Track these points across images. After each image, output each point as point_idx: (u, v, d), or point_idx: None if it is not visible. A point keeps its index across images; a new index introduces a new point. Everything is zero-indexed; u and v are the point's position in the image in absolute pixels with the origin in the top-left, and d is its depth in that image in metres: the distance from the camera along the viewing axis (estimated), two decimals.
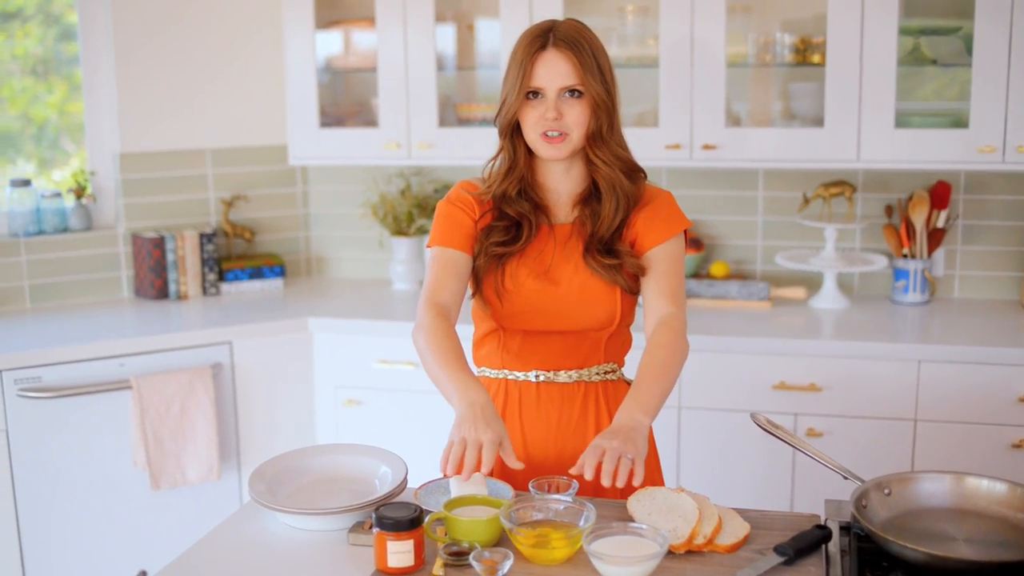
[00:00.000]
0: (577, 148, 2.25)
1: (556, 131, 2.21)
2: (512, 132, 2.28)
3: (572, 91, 2.21)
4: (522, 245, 2.27)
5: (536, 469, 2.28)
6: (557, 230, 2.31)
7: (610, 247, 2.26)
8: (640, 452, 2.00)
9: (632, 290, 2.29)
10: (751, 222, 4.03)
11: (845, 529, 1.99)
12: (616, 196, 2.27)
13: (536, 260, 2.28)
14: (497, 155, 2.34)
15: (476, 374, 2.39)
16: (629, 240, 2.29)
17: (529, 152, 2.30)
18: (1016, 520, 1.95)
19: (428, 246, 2.36)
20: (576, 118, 2.22)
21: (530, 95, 2.23)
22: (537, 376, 2.31)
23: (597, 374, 2.32)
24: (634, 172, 2.31)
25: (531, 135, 2.24)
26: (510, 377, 2.33)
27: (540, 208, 2.32)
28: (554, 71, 2.20)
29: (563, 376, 2.31)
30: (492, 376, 2.37)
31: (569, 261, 2.28)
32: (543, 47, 2.21)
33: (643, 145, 3.54)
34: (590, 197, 2.30)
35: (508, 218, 2.29)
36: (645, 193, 2.32)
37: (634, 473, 1.96)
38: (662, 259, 2.29)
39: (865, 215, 3.90)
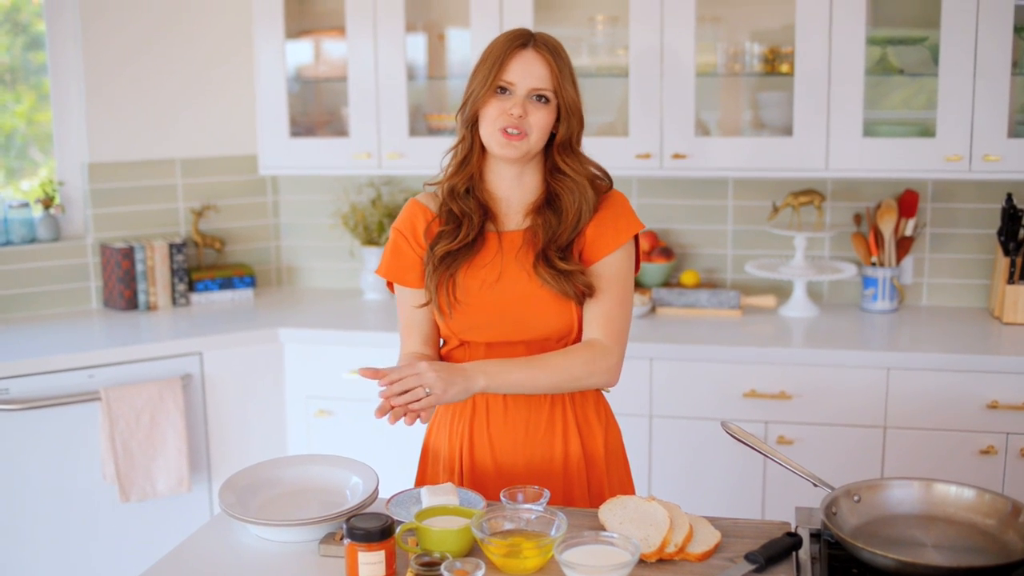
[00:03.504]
0: (531, 152, 2.24)
1: (516, 128, 2.20)
2: (473, 124, 2.28)
3: (541, 96, 2.22)
4: (461, 243, 2.25)
5: (505, 479, 2.28)
6: (505, 237, 2.30)
7: (562, 257, 2.24)
8: (440, 397, 2.10)
9: (582, 301, 2.28)
10: (721, 231, 4.04)
11: (815, 536, 2.00)
12: (579, 208, 2.26)
13: (486, 270, 2.27)
14: (455, 146, 2.33)
15: None
16: (578, 249, 2.28)
17: (483, 151, 2.29)
18: (984, 526, 1.96)
19: (377, 272, 2.38)
20: (539, 121, 2.21)
21: (499, 90, 2.23)
22: None
23: None
24: (600, 180, 2.32)
25: (489, 130, 2.23)
26: None
27: (487, 212, 2.30)
28: (529, 70, 2.21)
29: None
30: None
31: (522, 270, 2.26)
32: (523, 46, 2.22)
33: (613, 154, 3.56)
34: (544, 206, 2.29)
35: (454, 219, 2.29)
36: (603, 199, 2.32)
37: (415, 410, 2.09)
38: (610, 279, 2.28)
39: (834, 223, 3.93)
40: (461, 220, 2.28)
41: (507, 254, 2.28)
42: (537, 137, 2.23)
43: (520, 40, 2.23)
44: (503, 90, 2.22)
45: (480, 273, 2.27)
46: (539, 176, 2.31)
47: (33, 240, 4.03)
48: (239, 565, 1.98)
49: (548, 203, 2.29)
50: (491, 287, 2.26)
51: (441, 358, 2.37)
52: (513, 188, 2.31)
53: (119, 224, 4.12)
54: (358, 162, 3.95)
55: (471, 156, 2.30)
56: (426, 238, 2.31)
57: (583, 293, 2.25)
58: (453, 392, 2.11)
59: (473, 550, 1.94)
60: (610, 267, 2.29)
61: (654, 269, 3.94)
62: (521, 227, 2.31)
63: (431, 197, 2.37)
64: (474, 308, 2.25)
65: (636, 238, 2.34)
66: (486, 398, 2.31)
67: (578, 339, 2.30)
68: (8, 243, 3.97)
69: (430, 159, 3.84)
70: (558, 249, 2.24)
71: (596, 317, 2.27)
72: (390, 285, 2.40)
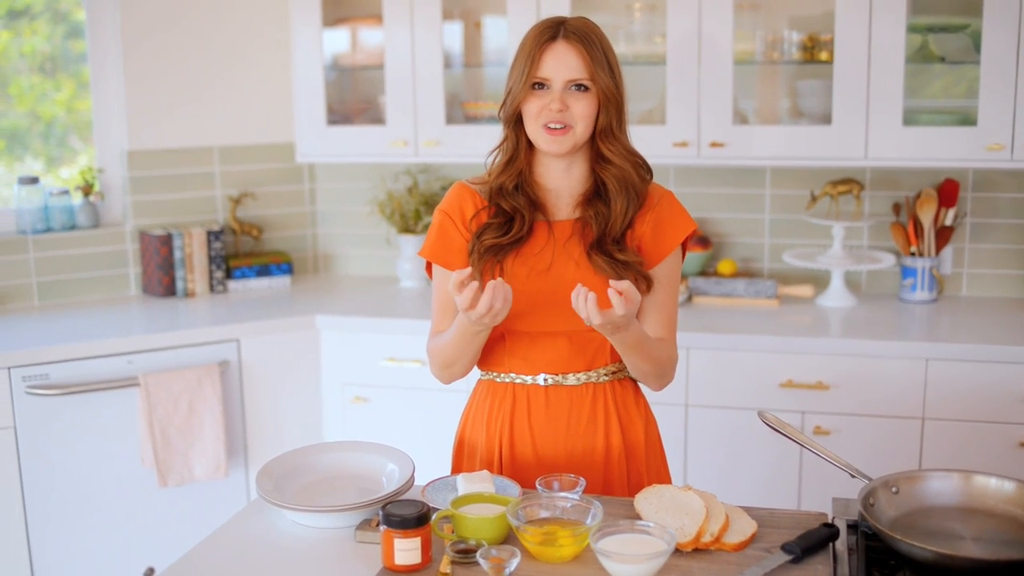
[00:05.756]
0: (579, 144, 2.24)
1: (559, 123, 2.19)
2: (516, 122, 2.27)
3: (579, 85, 2.20)
4: (513, 239, 2.25)
5: (547, 469, 2.28)
6: (556, 227, 2.29)
7: (618, 248, 2.24)
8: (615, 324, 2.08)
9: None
10: (758, 220, 4.02)
11: (853, 527, 1.99)
12: (627, 194, 2.25)
13: (536, 258, 2.26)
14: (499, 145, 2.33)
15: (481, 377, 2.40)
16: (634, 245, 2.28)
17: (530, 146, 2.29)
18: None
19: (420, 254, 2.37)
20: (582, 111, 2.20)
21: (536, 86, 2.22)
22: (545, 380, 2.30)
23: (605, 375, 2.31)
24: (643, 169, 2.30)
25: (533, 126, 2.22)
26: (517, 381, 2.31)
27: (537, 205, 2.30)
28: (562, 63, 2.19)
29: (571, 379, 2.29)
30: (499, 380, 2.35)
31: (570, 259, 2.26)
32: (553, 38, 2.20)
33: (650, 143, 3.52)
34: (594, 197, 2.28)
35: (503, 214, 2.28)
36: (650, 194, 2.32)
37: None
38: (664, 281, 2.30)
39: (873, 213, 3.90)
40: (512, 215, 2.28)
41: (558, 243, 2.27)
42: (583, 127, 2.21)
43: (550, 33, 2.21)
44: (540, 86, 2.22)
45: (529, 261, 2.26)
46: (587, 165, 2.30)
47: (73, 227, 4.06)
48: (275, 550, 1.99)
49: (597, 194, 2.28)
50: (540, 276, 2.25)
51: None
52: (562, 179, 2.30)
53: (158, 211, 4.15)
54: (395, 150, 3.96)
55: (517, 154, 2.29)
56: (474, 224, 2.30)
57: (639, 286, 2.25)
58: (619, 332, 2.13)
59: (509, 538, 1.94)
60: (665, 265, 2.30)
61: (691, 258, 3.93)
62: (571, 217, 2.30)
63: (481, 182, 2.36)
64: (522, 296, 2.23)
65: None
66: (527, 391, 2.31)
67: None
68: (48, 230, 4.01)
69: (467, 147, 3.86)
70: (613, 240, 2.24)
71: (653, 313, 2.30)
72: (428, 268, 2.39)
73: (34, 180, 3.98)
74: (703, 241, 3.97)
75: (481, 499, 2.00)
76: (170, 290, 4.07)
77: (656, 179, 2.38)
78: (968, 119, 3.50)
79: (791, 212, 3.98)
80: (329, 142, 4.05)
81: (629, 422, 2.33)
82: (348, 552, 1.97)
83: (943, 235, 3.75)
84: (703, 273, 3.98)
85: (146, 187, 4.12)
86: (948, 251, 3.86)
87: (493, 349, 2.33)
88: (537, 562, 1.87)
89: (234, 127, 4.24)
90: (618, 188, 2.25)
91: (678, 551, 1.89)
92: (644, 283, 2.26)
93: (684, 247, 2.37)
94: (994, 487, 2.00)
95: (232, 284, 4.17)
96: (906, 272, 3.80)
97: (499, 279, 2.09)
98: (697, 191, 4.03)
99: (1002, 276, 3.86)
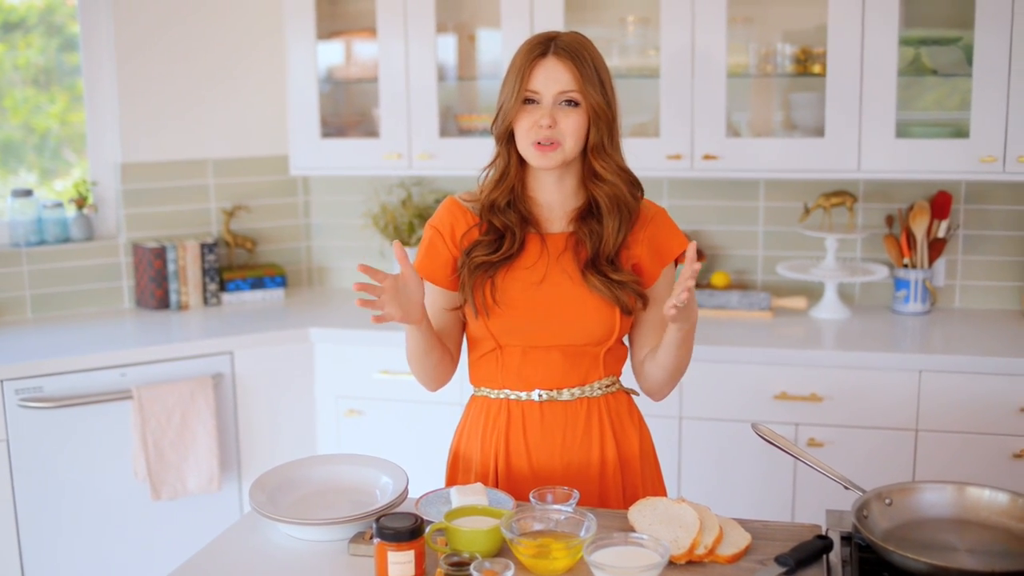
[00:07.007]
0: (569, 159, 2.23)
1: (548, 140, 2.20)
2: (508, 139, 2.27)
3: (569, 101, 2.21)
4: (502, 256, 2.25)
5: (543, 482, 2.27)
6: (549, 240, 2.29)
7: (612, 268, 2.25)
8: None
9: (630, 311, 2.27)
10: (752, 232, 4.03)
11: (846, 539, 1.99)
12: (619, 213, 2.25)
13: (528, 271, 2.26)
14: (492, 162, 2.33)
15: (475, 393, 2.40)
16: (630, 263, 2.28)
17: (521, 162, 2.29)
18: (1018, 530, 1.94)
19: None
20: (570, 127, 2.20)
21: (527, 102, 2.22)
22: (540, 395, 2.29)
23: (599, 389, 2.31)
24: (634, 187, 2.31)
25: (523, 143, 2.22)
26: (512, 397, 2.31)
27: (529, 220, 2.29)
28: (552, 77, 2.19)
29: (566, 394, 2.29)
30: (493, 396, 2.34)
31: (564, 273, 2.26)
32: (543, 54, 2.21)
33: (644, 155, 3.55)
34: (588, 214, 2.28)
35: (495, 231, 2.28)
36: (642, 211, 2.32)
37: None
38: (663, 299, 2.30)
39: (866, 225, 3.91)
40: (503, 232, 2.28)
41: (551, 256, 2.27)
42: (571, 143, 2.21)
43: (540, 49, 2.21)
44: (531, 101, 2.22)
45: (522, 275, 2.26)
46: (578, 179, 2.30)
47: (66, 240, 4.06)
48: (269, 564, 1.98)
49: (590, 211, 2.28)
50: (535, 288, 2.25)
51: (471, 361, 2.37)
52: (554, 193, 2.30)
53: (151, 224, 4.14)
54: (388, 163, 3.96)
55: (509, 171, 2.29)
56: (464, 242, 2.30)
57: (635, 304, 2.26)
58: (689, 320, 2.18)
59: (502, 550, 1.94)
60: (662, 283, 2.32)
61: None
62: (565, 230, 2.30)
63: (472, 198, 2.36)
64: (515, 310, 2.24)
65: None
66: (522, 406, 2.30)
67: (615, 346, 2.31)
68: (42, 242, 4.00)
69: (460, 160, 3.86)
70: (607, 259, 2.24)
71: (654, 330, 2.32)
72: None
73: (28, 193, 3.98)
74: (697, 253, 3.97)
75: (475, 512, 2.00)
76: (164, 303, 4.06)
77: (650, 192, 2.39)
78: (961, 131, 3.51)
79: (784, 224, 3.99)
80: (323, 155, 4.05)
81: (624, 435, 2.33)
82: (341, 565, 1.96)
83: (936, 247, 3.76)
84: (696, 285, 3.98)
85: (140, 200, 4.11)
86: (941, 263, 3.87)
87: (487, 365, 2.33)
88: (531, 575, 1.87)
89: (228, 140, 4.24)
90: (610, 207, 2.25)
91: (672, 563, 1.89)
92: (640, 301, 2.27)
93: (676, 262, 2.38)
94: (988, 499, 2.00)
95: (226, 297, 4.17)
96: (899, 284, 3.80)
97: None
98: (691, 203, 4.03)
99: (995, 288, 3.86)
